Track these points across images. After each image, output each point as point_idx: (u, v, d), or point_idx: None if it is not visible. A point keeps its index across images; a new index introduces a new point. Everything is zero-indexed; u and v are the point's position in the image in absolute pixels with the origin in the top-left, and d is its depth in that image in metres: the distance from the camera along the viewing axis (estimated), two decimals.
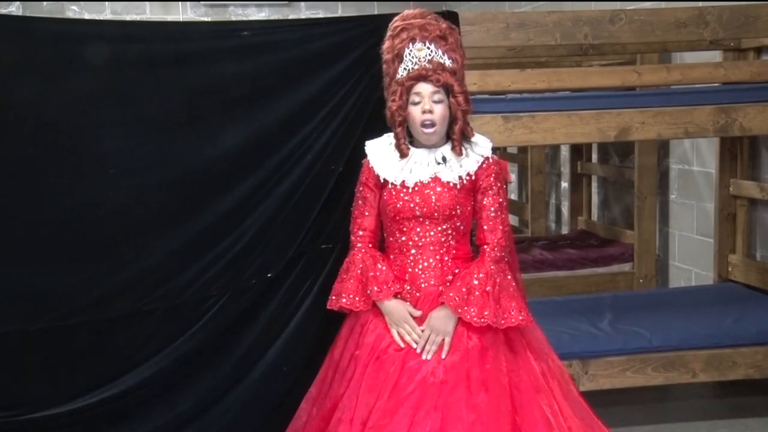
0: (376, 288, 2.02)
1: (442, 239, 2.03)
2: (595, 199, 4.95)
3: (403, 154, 2.04)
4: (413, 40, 2.02)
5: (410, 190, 2.03)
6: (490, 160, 2.06)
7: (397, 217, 2.04)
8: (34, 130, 2.18)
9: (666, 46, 3.42)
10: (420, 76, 2.00)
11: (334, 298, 2.09)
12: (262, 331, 2.34)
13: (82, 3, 6.16)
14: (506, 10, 5.23)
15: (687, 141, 3.81)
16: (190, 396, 2.31)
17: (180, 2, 6.34)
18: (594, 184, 4.93)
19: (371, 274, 2.04)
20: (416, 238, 2.03)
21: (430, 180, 2.03)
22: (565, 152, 5.23)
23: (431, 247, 2.03)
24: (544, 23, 2.59)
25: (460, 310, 1.95)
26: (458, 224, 2.04)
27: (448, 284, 2.02)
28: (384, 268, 2.05)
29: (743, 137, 3.32)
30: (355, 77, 2.34)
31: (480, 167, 2.05)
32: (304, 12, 6.37)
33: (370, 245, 2.10)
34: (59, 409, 2.22)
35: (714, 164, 3.61)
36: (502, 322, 1.95)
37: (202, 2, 6.34)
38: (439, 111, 2.00)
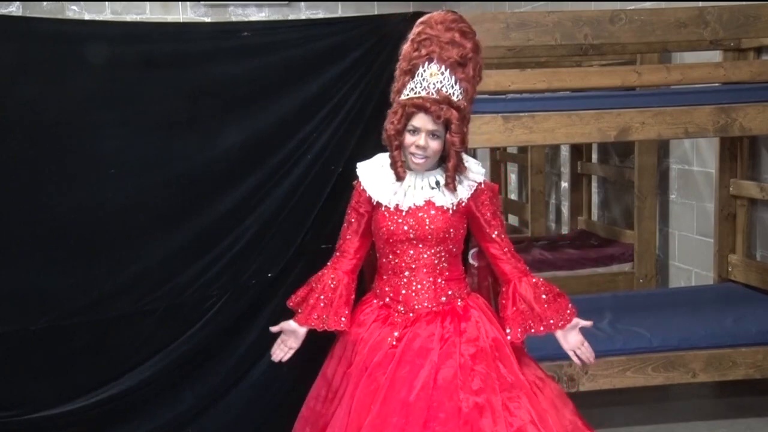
0: (325, 316, 2.04)
1: (435, 261, 2.03)
2: (595, 199, 4.95)
3: (399, 178, 2.02)
4: (430, 59, 1.95)
5: (404, 213, 2.02)
6: (482, 186, 2.05)
7: (391, 240, 2.03)
8: (34, 130, 2.18)
9: (666, 46, 3.42)
10: (423, 107, 1.94)
11: (295, 299, 2.09)
12: (261, 331, 2.33)
13: (82, 3, 6.17)
14: (506, 10, 5.23)
15: (687, 141, 3.81)
16: (190, 396, 2.31)
17: (180, 2, 6.34)
18: (594, 184, 4.94)
19: (324, 297, 2.05)
20: (409, 261, 2.03)
21: (424, 203, 2.02)
22: (565, 152, 5.23)
23: (424, 270, 2.03)
24: (544, 23, 2.59)
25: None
26: (451, 247, 2.03)
27: (443, 304, 2.03)
28: (340, 296, 2.06)
29: (743, 137, 3.32)
30: (355, 77, 2.33)
31: (473, 193, 2.04)
32: (304, 12, 6.37)
33: (341, 269, 2.09)
34: (59, 409, 2.22)
35: (714, 164, 3.61)
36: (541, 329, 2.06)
37: (202, 2, 6.34)
38: (434, 146, 1.97)
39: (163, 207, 2.26)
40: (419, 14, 2.36)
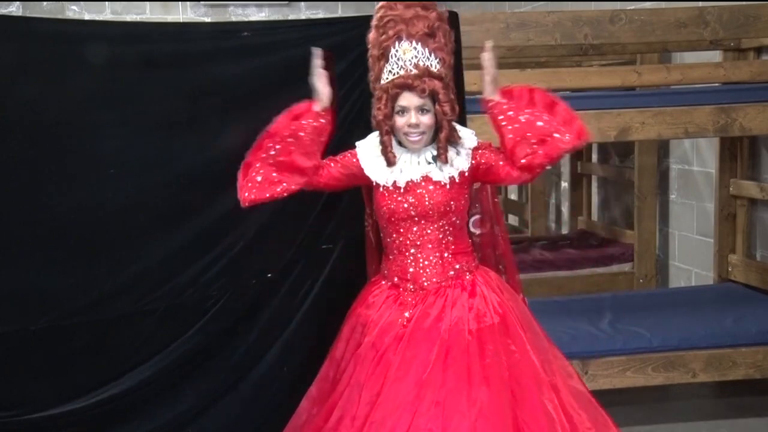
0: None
1: (440, 236, 2.03)
2: (595, 199, 4.95)
3: (390, 163, 2.03)
4: (399, 38, 1.97)
5: (402, 191, 2.02)
6: (478, 149, 2.06)
7: (392, 219, 2.04)
8: (34, 130, 2.17)
9: (666, 46, 3.42)
10: (405, 85, 1.96)
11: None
12: (261, 331, 2.33)
13: (81, 3, 6.16)
14: (506, 10, 5.23)
15: (687, 141, 3.81)
16: (190, 396, 2.31)
17: (180, 2, 6.34)
18: (594, 184, 4.94)
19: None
20: (414, 238, 2.03)
21: (421, 179, 2.02)
22: None
23: (429, 245, 2.03)
24: (544, 23, 2.59)
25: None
26: (454, 219, 2.04)
27: (450, 279, 2.03)
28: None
29: (743, 137, 3.32)
30: (355, 77, 2.33)
31: (472, 160, 2.04)
32: (304, 12, 6.37)
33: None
34: (59, 409, 2.21)
35: (714, 164, 3.61)
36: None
37: (202, 2, 6.34)
38: (426, 121, 1.98)
39: (163, 207, 2.26)
40: None
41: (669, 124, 2.67)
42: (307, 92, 2.31)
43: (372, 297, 2.08)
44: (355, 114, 2.34)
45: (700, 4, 3.30)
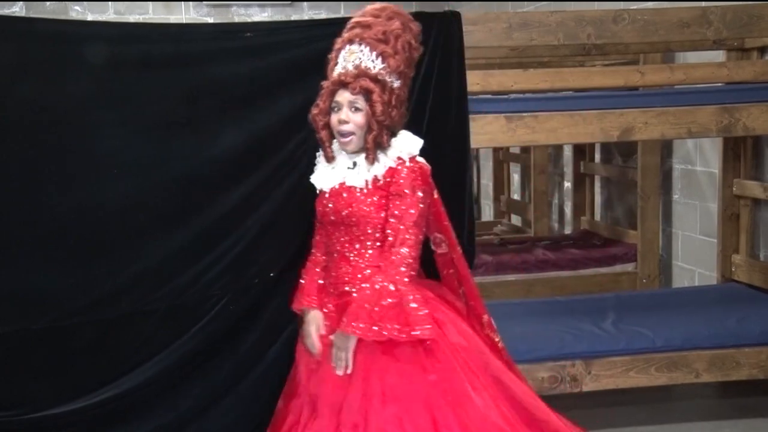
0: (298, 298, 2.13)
1: (356, 245, 2.02)
2: (598, 199, 4.93)
3: (328, 159, 2.05)
4: (351, 41, 2.00)
5: (327, 195, 2.06)
6: (407, 165, 1.99)
7: (321, 221, 2.08)
8: (34, 130, 2.17)
9: (669, 46, 3.41)
10: (341, 83, 1.98)
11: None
12: (263, 331, 2.33)
13: (85, 3, 6.18)
14: (509, 10, 5.22)
15: (690, 141, 3.79)
16: (191, 396, 2.30)
17: (182, 2, 6.35)
18: (597, 184, 4.92)
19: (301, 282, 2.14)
20: (335, 243, 2.05)
21: (340, 185, 2.04)
22: (568, 152, 5.22)
23: (346, 252, 2.03)
24: (546, 23, 2.58)
25: (347, 325, 1.91)
26: (368, 230, 2.00)
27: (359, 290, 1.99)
28: (307, 279, 2.13)
29: (746, 137, 3.31)
30: None
31: (389, 171, 1.99)
32: (306, 12, 6.38)
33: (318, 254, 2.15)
34: (60, 409, 2.21)
35: (717, 164, 3.59)
36: (371, 332, 1.88)
37: (204, 3, 6.35)
38: (356, 119, 1.98)
39: (164, 207, 2.26)
40: (422, 14, 2.37)
41: (672, 124, 2.66)
42: (307, 93, 2.31)
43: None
44: None
45: (704, 3, 3.29)
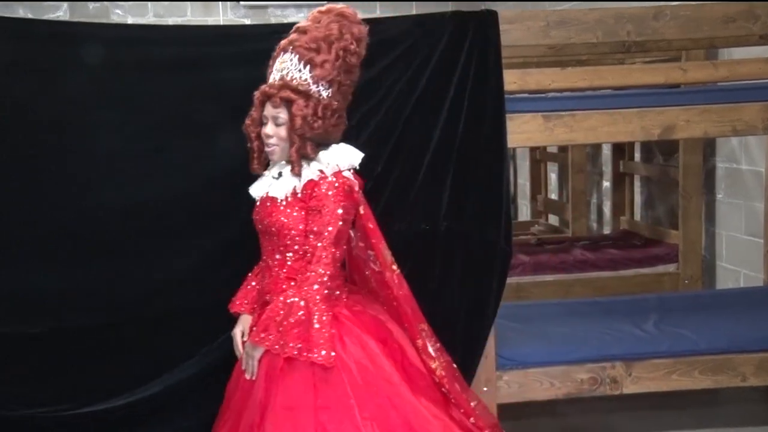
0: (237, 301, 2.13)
1: (277, 255, 2.01)
2: (637, 198, 4.86)
3: (252, 169, 2.05)
4: (285, 49, 1.97)
5: (258, 204, 2.05)
6: (328, 179, 1.94)
7: (256, 230, 2.07)
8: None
9: (713, 42, 3.33)
10: (265, 95, 1.96)
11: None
12: None
13: (126, 6, 6.29)
14: (546, 9, 5.17)
15: (735, 139, 3.71)
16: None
17: (220, 3, 6.42)
18: (637, 183, 4.85)
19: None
20: (264, 252, 2.06)
21: (265, 195, 2.03)
22: (606, 151, 5.14)
23: (270, 262, 2.03)
24: (585, 21, 2.55)
25: (256, 335, 1.92)
26: (287, 241, 1.97)
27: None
28: (245, 283, 2.14)
29: None
30: (389, 81, 2.32)
31: (310, 183, 1.96)
32: None
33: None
34: (100, 406, 2.25)
35: (764, 163, 3.51)
36: (276, 347, 1.86)
37: (241, 3, 6.41)
38: (281, 134, 1.96)
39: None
40: (458, 13, 2.35)
41: (715, 122, 2.60)
42: None
43: None
44: (393, 113, 2.33)
45: None
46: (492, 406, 2.48)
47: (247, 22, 6.26)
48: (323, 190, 1.94)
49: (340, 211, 1.93)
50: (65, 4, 6.13)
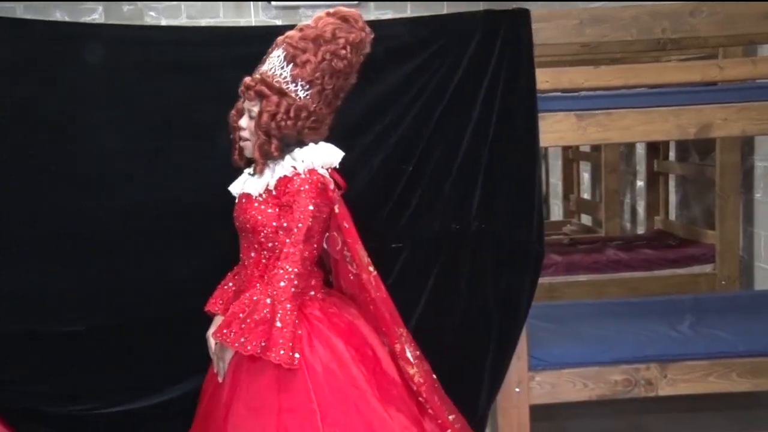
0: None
1: (252, 253, 1.97)
2: (672, 198, 4.78)
3: (234, 162, 2.03)
4: (278, 45, 1.95)
5: (236, 201, 2.03)
6: (302, 175, 1.90)
7: (236, 227, 2.04)
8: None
9: (752, 39, 3.26)
10: (245, 86, 1.95)
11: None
12: None
13: (159, 7, 6.37)
14: (579, 7, 5.12)
15: None
16: None
17: (252, 3, 6.47)
18: (671, 183, 4.77)
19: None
20: (241, 249, 2.03)
21: (242, 192, 2.01)
22: (640, 150, 5.08)
23: (245, 260, 2.01)
24: (619, 18, 2.52)
25: (218, 331, 1.87)
26: (261, 238, 1.93)
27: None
28: (221, 283, 2.10)
29: None
30: (423, 79, 2.32)
31: (283, 180, 1.92)
32: (373, 13, 6.39)
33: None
34: (133, 405, 2.28)
35: None
36: (236, 345, 1.81)
37: (273, 4, 6.45)
38: (251, 126, 1.95)
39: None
40: (490, 12, 2.34)
41: (755, 120, 2.55)
42: (372, 93, 2.31)
43: None
44: (425, 114, 2.33)
45: None
46: (524, 407, 2.47)
47: (279, 23, 6.29)
48: (295, 186, 1.90)
49: (311, 207, 1.88)
50: (100, 7, 6.24)
